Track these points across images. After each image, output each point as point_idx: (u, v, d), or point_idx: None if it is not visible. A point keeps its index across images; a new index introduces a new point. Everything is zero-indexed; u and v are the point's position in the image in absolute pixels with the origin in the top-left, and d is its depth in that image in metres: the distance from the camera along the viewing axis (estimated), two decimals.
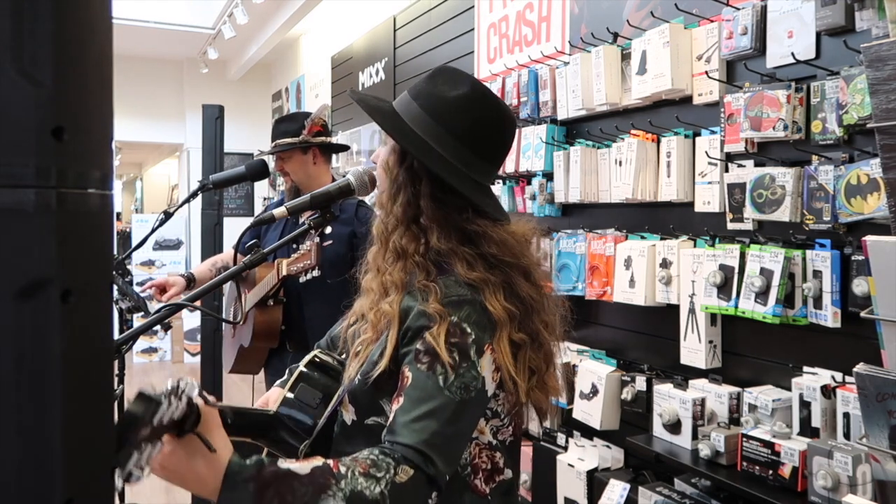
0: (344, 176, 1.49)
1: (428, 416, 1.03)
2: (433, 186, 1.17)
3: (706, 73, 2.08)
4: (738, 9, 2.00)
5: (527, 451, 2.78)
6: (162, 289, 2.65)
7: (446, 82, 1.19)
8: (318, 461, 0.98)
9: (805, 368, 1.84)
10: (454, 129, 1.17)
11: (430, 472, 1.00)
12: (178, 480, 0.96)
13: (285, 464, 0.96)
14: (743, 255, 1.94)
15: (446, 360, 1.05)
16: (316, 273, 1.96)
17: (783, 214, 1.85)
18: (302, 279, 2.00)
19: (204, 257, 3.43)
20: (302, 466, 0.96)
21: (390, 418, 1.06)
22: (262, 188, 8.25)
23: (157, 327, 1.37)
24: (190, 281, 2.71)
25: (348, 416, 1.20)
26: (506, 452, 1.20)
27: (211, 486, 0.93)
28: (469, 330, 1.08)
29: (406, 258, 1.16)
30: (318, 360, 1.37)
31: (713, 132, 2.12)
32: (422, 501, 1.02)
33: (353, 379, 1.19)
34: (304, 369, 1.34)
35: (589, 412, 2.42)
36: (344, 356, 1.34)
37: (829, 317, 1.74)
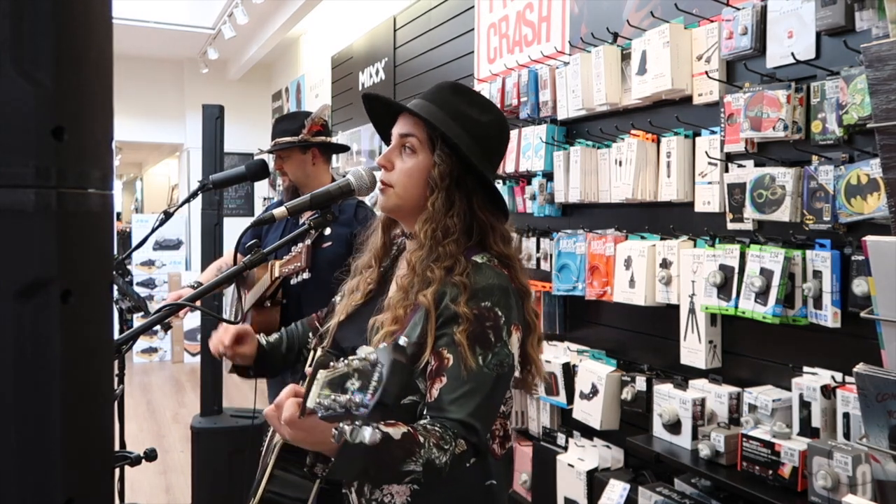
0: (344, 176, 1.49)
1: (472, 392, 1.18)
2: (486, 199, 1.33)
3: (706, 73, 2.08)
4: (738, 9, 2.00)
5: (527, 451, 2.77)
6: None
7: (473, 104, 1.34)
8: (403, 427, 1.12)
9: (805, 368, 1.84)
10: (490, 153, 1.35)
11: (474, 441, 1.16)
12: (308, 442, 1.10)
13: (383, 427, 1.09)
14: (743, 255, 1.94)
15: (482, 342, 1.20)
16: (306, 275, 1.95)
17: (783, 214, 1.85)
18: (293, 281, 1.99)
19: (204, 257, 3.43)
20: (395, 431, 1.09)
21: (434, 396, 1.20)
22: (262, 188, 8.25)
23: (157, 327, 1.38)
24: None
25: None
26: (508, 422, 1.35)
27: (332, 446, 1.05)
28: (500, 313, 1.23)
29: (451, 259, 1.27)
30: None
31: (713, 132, 2.12)
32: (465, 465, 1.17)
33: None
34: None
35: (589, 412, 2.42)
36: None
37: (829, 317, 1.74)
